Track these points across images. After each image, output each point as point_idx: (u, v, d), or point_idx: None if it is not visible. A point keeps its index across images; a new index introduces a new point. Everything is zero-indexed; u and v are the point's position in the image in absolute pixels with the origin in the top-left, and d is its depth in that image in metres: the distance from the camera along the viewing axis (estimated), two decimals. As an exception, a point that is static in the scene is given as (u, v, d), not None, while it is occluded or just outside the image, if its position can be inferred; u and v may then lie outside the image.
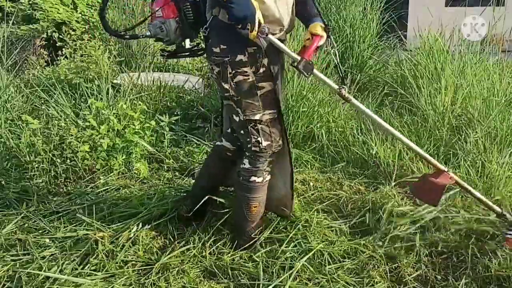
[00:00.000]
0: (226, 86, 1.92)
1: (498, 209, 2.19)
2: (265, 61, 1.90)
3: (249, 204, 2.11)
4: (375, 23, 4.82)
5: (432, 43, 3.99)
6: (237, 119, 1.99)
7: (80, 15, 5.69)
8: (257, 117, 1.95)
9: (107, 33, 2.00)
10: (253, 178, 2.06)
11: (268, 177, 2.11)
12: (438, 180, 2.04)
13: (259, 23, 1.78)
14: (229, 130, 2.25)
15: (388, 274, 2.03)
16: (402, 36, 4.94)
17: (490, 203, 2.15)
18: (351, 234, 2.31)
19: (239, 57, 1.86)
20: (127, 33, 2.04)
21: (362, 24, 4.74)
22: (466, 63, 3.70)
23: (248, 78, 1.89)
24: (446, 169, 2.06)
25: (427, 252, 2.18)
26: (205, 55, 2.03)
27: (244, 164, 2.07)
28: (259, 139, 1.97)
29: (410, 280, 1.98)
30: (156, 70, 4.81)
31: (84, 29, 5.49)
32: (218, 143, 2.30)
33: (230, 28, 1.82)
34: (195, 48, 2.05)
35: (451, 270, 2.07)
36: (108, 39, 5.11)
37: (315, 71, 1.92)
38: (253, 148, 1.99)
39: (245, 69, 1.88)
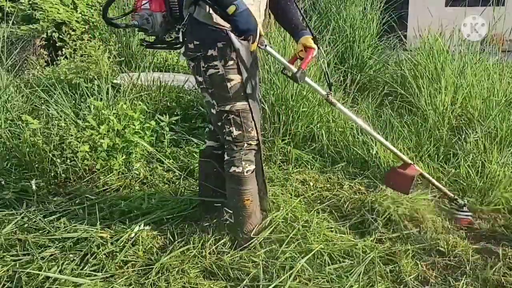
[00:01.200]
0: (200, 79, 2.06)
1: (451, 194, 2.50)
2: (233, 55, 2.01)
3: (241, 198, 2.13)
4: (375, 23, 4.81)
5: (432, 43, 3.99)
6: (214, 111, 2.11)
7: (80, 15, 5.68)
8: (227, 107, 2.06)
9: (106, 23, 2.07)
10: (232, 169, 2.12)
11: (250, 168, 2.13)
12: (406, 171, 2.37)
13: (260, 35, 2.00)
14: (210, 128, 2.33)
15: (388, 274, 2.02)
16: (402, 36, 4.93)
17: (446, 190, 2.49)
18: (351, 234, 2.31)
19: (210, 52, 1.98)
20: (121, 23, 2.13)
21: (362, 24, 4.74)
22: (466, 63, 3.70)
23: (219, 71, 2.01)
24: (412, 163, 2.41)
25: (426, 252, 2.18)
26: (182, 49, 2.09)
27: (226, 157, 2.16)
28: (231, 128, 2.09)
29: (410, 280, 1.98)
30: (156, 70, 4.81)
31: (84, 29, 5.49)
32: (204, 146, 2.40)
33: (202, 26, 1.96)
34: (173, 41, 2.09)
35: (450, 270, 2.07)
36: (108, 39, 5.11)
37: (306, 78, 2.16)
38: (226, 138, 2.12)
39: (215, 62, 2.00)
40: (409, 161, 2.41)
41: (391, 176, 2.48)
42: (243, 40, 1.93)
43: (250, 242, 2.17)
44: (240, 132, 2.09)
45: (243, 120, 2.09)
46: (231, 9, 1.79)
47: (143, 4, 1.99)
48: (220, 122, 2.10)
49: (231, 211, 2.26)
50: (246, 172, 2.12)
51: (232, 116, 2.07)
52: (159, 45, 2.11)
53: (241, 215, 2.17)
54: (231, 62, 2.01)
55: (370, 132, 2.40)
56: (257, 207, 2.24)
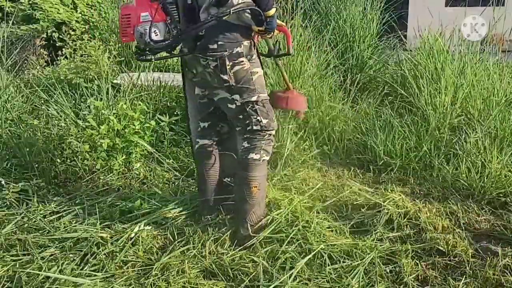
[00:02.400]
0: (225, 77, 2.12)
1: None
2: (255, 50, 2.21)
3: (249, 183, 2.19)
4: (375, 23, 4.81)
5: (432, 43, 3.99)
6: (233, 106, 2.20)
7: (80, 15, 5.68)
8: (254, 98, 2.18)
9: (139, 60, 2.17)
10: (250, 155, 2.19)
11: (266, 158, 2.23)
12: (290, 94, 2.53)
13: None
14: (204, 126, 2.38)
15: (388, 274, 2.02)
16: (402, 36, 4.93)
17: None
18: (351, 235, 2.31)
19: (236, 49, 2.10)
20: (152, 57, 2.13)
21: (362, 24, 4.73)
22: (466, 63, 3.70)
23: (244, 66, 2.14)
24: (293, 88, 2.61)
25: (426, 252, 2.18)
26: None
27: (244, 145, 2.24)
28: (258, 118, 2.20)
29: (410, 280, 1.98)
30: (156, 70, 4.81)
31: (84, 29, 5.49)
32: (196, 146, 2.42)
33: (230, 26, 2.07)
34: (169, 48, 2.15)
35: (450, 270, 2.07)
36: (108, 39, 5.10)
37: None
38: (254, 128, 2.20)
39: (241, 59, 2.12)
40: (292, 87, 2.59)
41: (282, 96, 2.54)
42: (268, 36, 2.17)
43: (250, 237, 2.19)
44: (267, 120, 2.21)
45: (268, 109, 2.23)
46: (272, 11, 2.04)
47: (143, 17, 2.04)
48: (243, 114, 2.20)
49: (231, 208, 2.28)
50: (262, 161, 2.20)
51: (258, 106, 2.19)
52: (157, 55, 2.14)
53: (247, 203, 2.21)
54: (254, 57, 2.19)
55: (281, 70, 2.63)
56: (263, 198, 2.29)
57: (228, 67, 2.10)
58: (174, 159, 3.19)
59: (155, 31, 2.03)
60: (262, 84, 2.24)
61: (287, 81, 2.60)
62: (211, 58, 2.09)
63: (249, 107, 2.19)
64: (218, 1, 2.04)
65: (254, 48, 2.20)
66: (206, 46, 2.08)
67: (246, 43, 2.13)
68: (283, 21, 2.58)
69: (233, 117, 2.26)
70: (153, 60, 2.12)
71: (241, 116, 2.21)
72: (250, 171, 2.19)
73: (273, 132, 2.26)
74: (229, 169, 2.43)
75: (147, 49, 2.07)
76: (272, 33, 2.16)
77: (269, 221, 2.30)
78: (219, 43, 2.07)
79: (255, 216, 2.23)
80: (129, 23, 2.04)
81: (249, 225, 2.21)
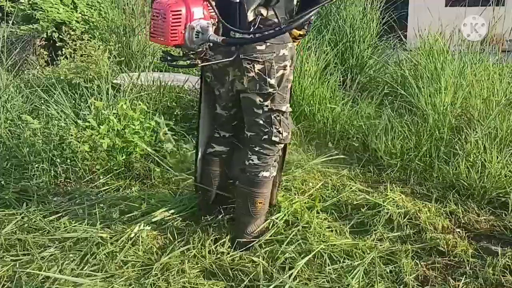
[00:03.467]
0: (272, 81, 1.98)
1: None
2: (295, 56, 2.08)
3: (254, 199, 2.12)
4: (375, 23, 4.80)
5: (432, 43, 3.99)
6: (260, 111, 2.06)
7: (80, 15, 5.68)
8: (283, 108, 2.08)
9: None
10: (261, 173, 2.11)
11: (274, 173, 2.16)
12: None
13: None
14: (225, 135, 2.28)
15: (388, 274, 2.02)
16: (402, 36, 4.93)
17: None
18: (351, 235, 2.31)
19: (282, 51, 1.97)
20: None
21: (362, 24, 4.73)
22: (466, 63, 3.70)
23: (286, 72, 2.02)
24: None
25: (426, 252, 2.18)
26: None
27: (252, 160, 2.11)
28: (280, 129, 2.07)
29: (410, 280, 1.98)
30: (156, 70, 4.81)
31: (84, 29, 5.49)
32: (209, 150, 2.30)
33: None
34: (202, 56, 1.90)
35: (450, 270, 2.07)
36: (108, 39, 5.10)
37: None
38: (273, 138, 2.07)
39: (286, 62, 2.00)
40: None
41: None
42: (300, 39, 2.10)
43: (250, 243, 2.18)
44: (287, 134, 2.11)
45: (289, 122, 2.14)
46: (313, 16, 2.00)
47: (196, 13, 1.76)
48: (266, 121, 2.07)
49: (231, 212, 2.27)
50: (270, 177, 2.13)
51: (283, 117, 2.09)
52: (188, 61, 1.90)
53: (249, 216, 2.17)
54: (293, 63, 2.06)
55: None
56: (265, 211, 2.24)
57: (274, 70, 1.97)
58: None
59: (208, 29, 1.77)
60: (290, 94, 2.14)
61: None
62: (259, 60, 1.94)
63: (275, 115, 2.06)
64: (267, 1, 1.90)
65: (293, 52, 2.06)
66: (253, 47, 1.91)
67: (290, 44, 2.02)
68: None
69: (253, 122, 2.10)
70: (198, 65, 1.85)
71: (262, 123, 2.07)
72: (257, 188, 2.11)
73: (282, 146, 2.18)
74: (234, 175, 2.35)
75: (193, 52, 1.81)
76: (300, 40, 2.09)
77: (270, 224, 2.30)
78: (268, 44, 1.92)
79: (255, 226, 2.20)
80: (180, 21, 1.74)
81: (249, 234, 2.19)
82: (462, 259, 2.12)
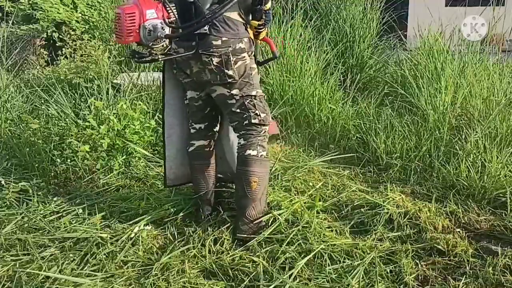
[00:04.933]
0: (230, 72, 2.16)
1: None
2: (253, 47, 2.26)
3: (248, 178, 2.21)
4: (375, 23, 4.81)
5: (432, 43, 3.99)
6: (233, 101, 2.24)
7: (80, 15, 5.68)
8: (253, 93, 2.25)
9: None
10: (248, 151, 2.23)
11: (263, 153, 2.26)
12: None
13: None
14: (201, 127, 2.39)
15: (388, 274, 2.02)
16: (402, 36, 4.93)
17: None
18: (351, 235, 2.31)
19: (239, 45, 2.15)
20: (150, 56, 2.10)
21: (362, 24, 4.74)
22: (466, 63, 3.70)
23: (246, 62, 2.19)
24: None
25: (426, 252, 2.18)
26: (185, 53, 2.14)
27: (240, 142, 2.28)
28: (257, 111, 2.25)
29: (410, 280, 1.98)
30: (156, 70, 4.81)
31: (84, 29, 5.49)
32: (190, 148, 2.41)
33: (234, 22, 2.13)
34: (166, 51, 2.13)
35: (450, 270, 2.07)
36: (108, 39, 5.11)
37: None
38: (252, 121, 2.24)
39: (243, 54, 2.17)
40: None
41: None
42: (263, 30, 2.25)
43: (251, 234, 2.21)
44: (265, 114, 2.27)
45: (264, 104, 2.31)
46: (268, 5, 2.15)
47: (149, 14, 2.02)
48: (241, 108, 2.24)
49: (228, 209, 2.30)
50: (260, 156, 2.24)
51: (256, 101, 2.26)
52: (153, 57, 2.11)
53: (246, 198, 2.22)
54: (252, 53, 2.24)
55: None
56: (264, 195, 2.29)
57: (232, 62, 2.14)
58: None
59: (162, 27, 2.02)
60: (258, 81, 2.31)
61: None
62: (215, 54, 2.11)
63: (248, 101, 2.24)
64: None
65: (253, 45, 2.26)
66: (209, 43, 2.10)
67: (246, 39, 2.18)
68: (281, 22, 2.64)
69: (231, 112, 2.27)
70: (159, 59, 2.10)
71: (239, 111, 2.25)
72: (248, 166, 2.22)
73: (267, 128, 2.31)
74: (222, 166, 2.49)
75: (149, 49, 2.06)
76: (265, 30, 2.26)
77: (270, 222, 2.30)
78: (223, 39, 2.10)
79: (255, 211, 2.25)
80: (134, 22, 2.00)
81: (249, 220, 2.23)
82: (462, 259, 2.12)
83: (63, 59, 4.70)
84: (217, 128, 2.45)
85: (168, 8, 2.08)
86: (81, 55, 4.52)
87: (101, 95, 3.46)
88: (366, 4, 4.82)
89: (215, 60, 2.12)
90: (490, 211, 2.54)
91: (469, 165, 2.77)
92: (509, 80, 3.55)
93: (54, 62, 5.07)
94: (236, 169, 2.30)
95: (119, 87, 3.81)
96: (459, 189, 2.72)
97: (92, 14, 5.68)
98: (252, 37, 2.25)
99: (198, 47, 2.10)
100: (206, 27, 2.07)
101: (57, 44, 5.38)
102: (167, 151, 2.46)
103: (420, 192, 2.75)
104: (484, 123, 3.05)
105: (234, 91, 2.22)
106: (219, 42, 2.10)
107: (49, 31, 5.57)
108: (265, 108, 2.30)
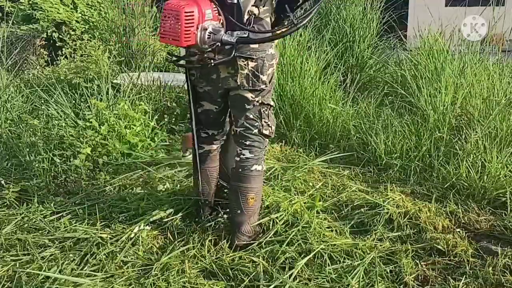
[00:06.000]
0: (264, 77, 2.08)
1: None
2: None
3: (246, 195, 2.14)
4: (375, 23, 4.81)
5: (432, 43, 3.99)
6: (250, 106, 2.13)
7: (80, 15, 5.68)
8: (271, 102, 2.19)
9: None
10: (254, 167, 2.15)
11: (265, 168, 2.23)
12: None
13: None
14: (213, 133, 2.31)
15: (388, 274, 2.02)
16: (402, 36, 4.93)
17: None
18: (351, 235, 2.31)
19: (270, 50, 2.09)
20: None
21: (362, 24, 4.74)
22: (466, 63, 3.70)
23: (273, 69, 2.14)
24: None
25: (426, 252, 2.18)
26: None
27: (244, 154, 2.16)
28: (269, 122, 2.17)
29: (410, 280, 1.98)
30: (156, 70, 4.81)
31: (84, 29, 5.49)
32: (200, 151, 2.32)
33: (269, 26, 2.07)
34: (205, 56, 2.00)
35: (450, 270, 2.07)
36: (108, 39, 5.11)
37: None
38: (263, 131, 2.15)
39: (273, 61, 2.12)
40: None
41: None
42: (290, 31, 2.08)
43: (247, 244, 2.18)
44: (274, 127, 2.21)
45: (273, 118, 2.23)
46: None
47: (207, 14, 1.87)
48: (256, 115, 2.14)
49: (226, 210, 2.29)
50: (262, 171, 2.19)
51: (270, 111, 2.18)
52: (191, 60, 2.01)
53: (242, 215, 2.17)
54: (277, 61, 2.18)
55: None
56: (259, 208, 2.26)
57: (265, 67, 2.07)
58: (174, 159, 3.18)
59: (225, 31, 1.89)
60: (273, 89, 2.24)
61: None
62: (253, 58, 2.02)
63: (264, 109, 2.15)
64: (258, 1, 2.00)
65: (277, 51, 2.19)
66: (247, 45, 2.00)
67: (275, 42, 2.14)
68: None
69: (243, 117, 2.15)
70: (212, 63, 1.94)
71: (252, 117, 2.13)
72: (249, 183, 2.14)
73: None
74: (224, 176, 2.43)
75: (200, 53, 1.92)
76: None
77: (270, 225, 2.30)
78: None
79: (249, 226, 2.20)
80: (193, 22, 1.82)
81: (244, 236, 2.19)
82: (462, 259, 2.12)
83: (63, 59, 4.71)
84: (227, 132, 2.37)
85: (215, 9, 1.91)
86: (81, 55, 4.53)
87: (101, 95, 3.46)
88: (366, 4, 4.82)
89: (251, 64, 2.03)
90: (490, 211, 2.54)
91: (469, 165, 2.77)
92: (509, 80, 3.55)
93: (54, 62, 5.07)
94: (233, 184, 2.20)
95: (119, 87, 3.81)
96: (459, 189, 2.72)
97: (92, 14, 5.68)
98: None
99: (235, 51, 1.95)
100: (246, 32, 1.96)
101: (57, 44, 5.39)
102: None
103: (420, 192, 2.75)
104: (484, 123, 3.05)
105: (258, 98, 2.11)
106: (256, 45, 2.01)
107: (49, 31, 5.57)
108: (274, 121, 2.22)
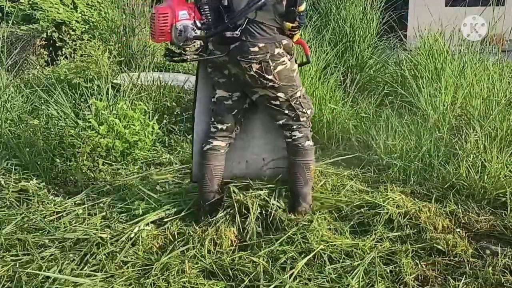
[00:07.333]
0: (270, 77, 2.18)
1: None
2: (293, 49, 2.27)
3: (309, 167, 2.38)
4: (375, 23, 4.81)
5: (432, 43, 3.99)
6: (277, 102, 2.28)
7: (80, 15, 5.69)
8: (298, 94, 2.31)
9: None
10: (307, 143, 2.38)
11: (312, 143, 2.42)
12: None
13: None
14: (222, 128, 2.37)
15: (388, 274, 2.02)
16: (402, 36, 4.93)
17: None
18: (351, 235, 2.30)
19: (276, 50, 2.16)
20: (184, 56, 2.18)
21: (362, 24, 4.74)
22: (466, 63, 3.70)
23: (286, 65, 2.21)
24: None
25: (426, 252, 2.18)
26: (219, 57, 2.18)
27: (295, 135, 2.37)
28: (303, 110, 2.34)
29: (410, 280, 1.98)
30: (156, 70, 4.81)
31: (84, 29, 5.49)
32: (207, 146, 2.39)
33: (269, 28, 2.13)
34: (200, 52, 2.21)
35: (450, 270, 2.07)
36: (108, 39, 5.11)
37: None
38: (301, 119, 2.34)
39: (282, 59, 2.19)
40: None
41: None
42: (297, 32, 2.20)
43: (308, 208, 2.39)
44: (310, 109, 2.38)
45: (308, 99, 2.39)
46: (303, 7, 2.11)
47: (181, 15, 2.11)
48: (288, 109, 2.30)
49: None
50: (313, 145, 2.43)
51: (301, 100, 2.32)
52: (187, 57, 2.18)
53: (307, 186, 2.38)
54: (292, 56, 2.26)
55: None
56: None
57: (271, 67, 2.15)
58: (174, 159, 3.18)
59: (193, 28, 2.09)
60: (299, 78, 2.36)
61: None
62: (254, 61, 2.12)
63: (294, 102, 2.29)
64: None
65: (292, 46, 2.25)
66: (247, 49, 2.11)
67: (285, 41, 2.18)
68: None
69: (276, 112, 2.32)
70: (188, 60, 2.17)
71: (287, 111, 2.31)
72: (307, 157, 2.36)
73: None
74: (227, 171, 2.47)
75: (181, 49, 2.13)
76: (299, 32, 2.22)
77: (270, 222, 2.31)
78: (260, 45, 2.11)
79: (310, 196, 2.42)
80: (167, 22, 2.09)
81: (307, 204, 2.40)
82: (462, 259, 2.12)
83: (63, 59, 4.70)
84: (237, 132, 2.43)
85: (201, 10, 2.11)
86: (81, 55, 4.52)
87: (101, 95, 3.46)
88: (366, 4, 4.82)
89: (255, 66, 2.14)
90: (490, 211, 2.54)
91: (469, 165, 2.77)
92: (509, 80, 3.55)
93: (54, 62, 5.07)
94: (293, 160, 2.38)
95: (119, 87, 3.81)
96: (459, 189, 2.72)
97: (92, 14, 5.68)
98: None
99: (231, 51, 2.12)
100: (237, 31, 2.08)
101: (57, 44, 5.39)
102: (195, 147, 2.48)
103: (420, 192, 2.75)
104: (484, 123, 3.05)
105: (280, 94, 2.24)
106: (256, 49, 2.11)
107: (49, 31, 5.58)
108: (309, 103, 2.38)
